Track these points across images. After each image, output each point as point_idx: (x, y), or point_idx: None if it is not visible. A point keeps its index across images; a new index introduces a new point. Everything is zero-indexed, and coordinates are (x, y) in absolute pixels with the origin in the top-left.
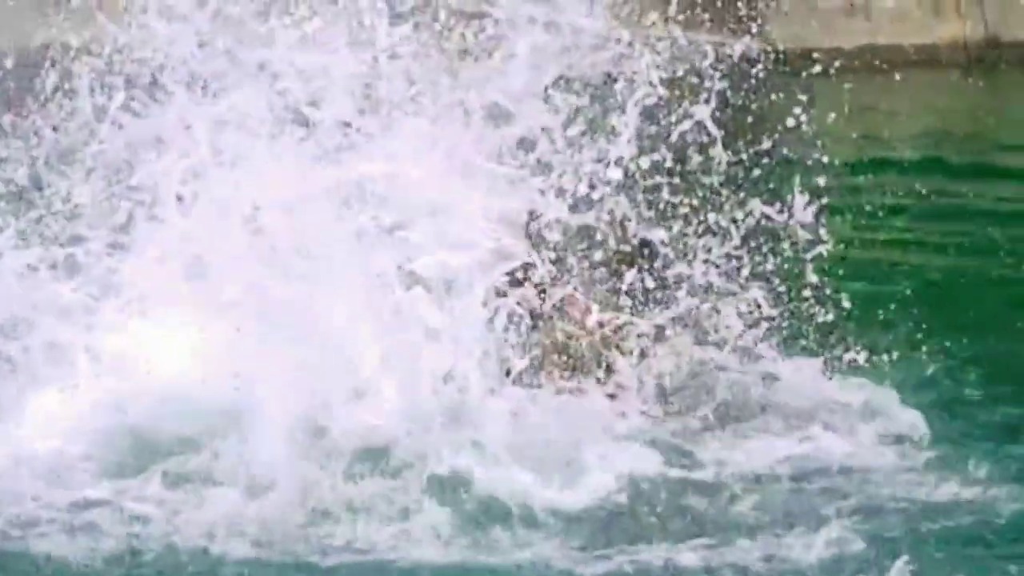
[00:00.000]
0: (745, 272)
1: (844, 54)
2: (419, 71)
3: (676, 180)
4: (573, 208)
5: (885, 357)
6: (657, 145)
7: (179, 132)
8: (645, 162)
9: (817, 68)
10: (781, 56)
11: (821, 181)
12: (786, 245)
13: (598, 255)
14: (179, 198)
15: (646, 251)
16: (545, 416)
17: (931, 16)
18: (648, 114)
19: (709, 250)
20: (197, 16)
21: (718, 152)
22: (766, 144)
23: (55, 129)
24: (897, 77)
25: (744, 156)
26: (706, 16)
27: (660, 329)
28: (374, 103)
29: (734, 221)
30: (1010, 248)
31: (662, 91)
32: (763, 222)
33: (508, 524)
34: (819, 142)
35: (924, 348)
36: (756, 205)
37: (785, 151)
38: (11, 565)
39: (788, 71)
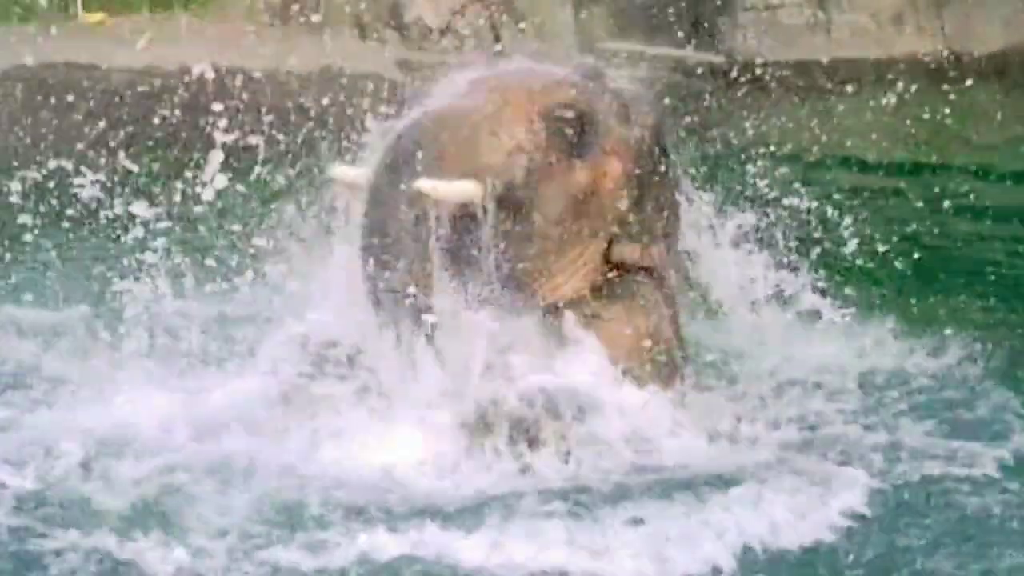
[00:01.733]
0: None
1: (805, 68)
2: None
3: None
4: None
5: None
6: None
7: None
8: None
9: (778, 82)
10: (743, 70)
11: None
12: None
13: None
14: None
15: None
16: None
17: (891, 31)
18: None
19: None
20: None
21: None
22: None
23: None
24: (857, 90)
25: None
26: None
27: None
28: None
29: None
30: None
31: None
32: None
33: None
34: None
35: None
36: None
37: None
38: None
39: (750, 85)
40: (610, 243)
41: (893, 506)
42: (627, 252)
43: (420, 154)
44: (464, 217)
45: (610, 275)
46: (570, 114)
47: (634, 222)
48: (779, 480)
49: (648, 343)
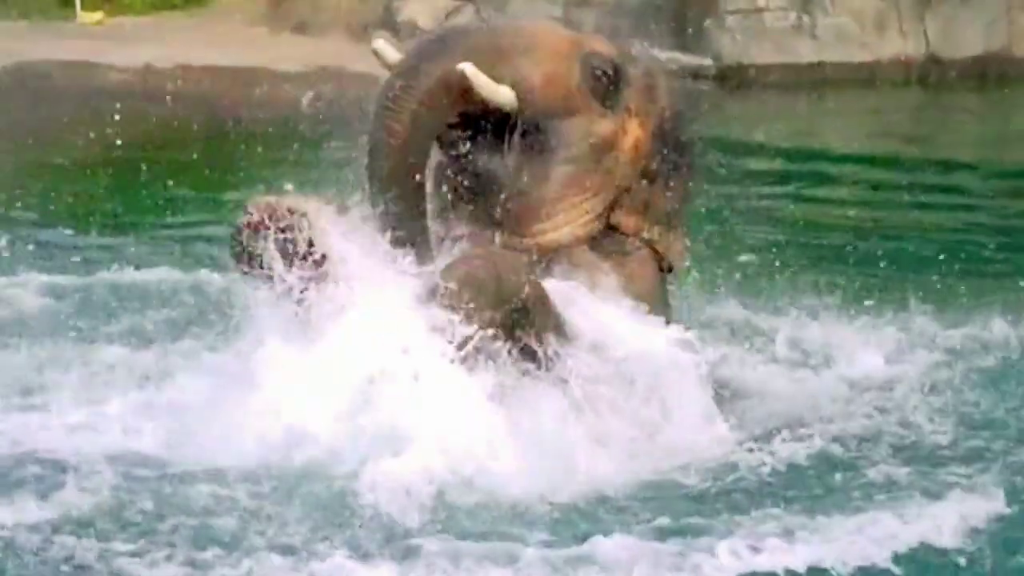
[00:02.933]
0: None
1: (792, 71)
2: None
3: None
4: None
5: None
6: None
7: None
8: None
9: (766, 84)
10: (731, 72)
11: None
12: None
13: None
14: None
15: None
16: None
17: (875, 35)
18: None
19: None
20: None
21: None
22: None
23: None
24: (843, 92)
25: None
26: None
27: None
28: None
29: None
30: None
31: None
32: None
33: None
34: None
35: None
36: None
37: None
38: None
39: (737, 86)
40: (613, 206)
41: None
42: (625, 221)
43: (458, 52)
44: (481, 130)
45: (607, 238)
46: (606, 64)
47: (640, 193)
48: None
49: (632, 301)
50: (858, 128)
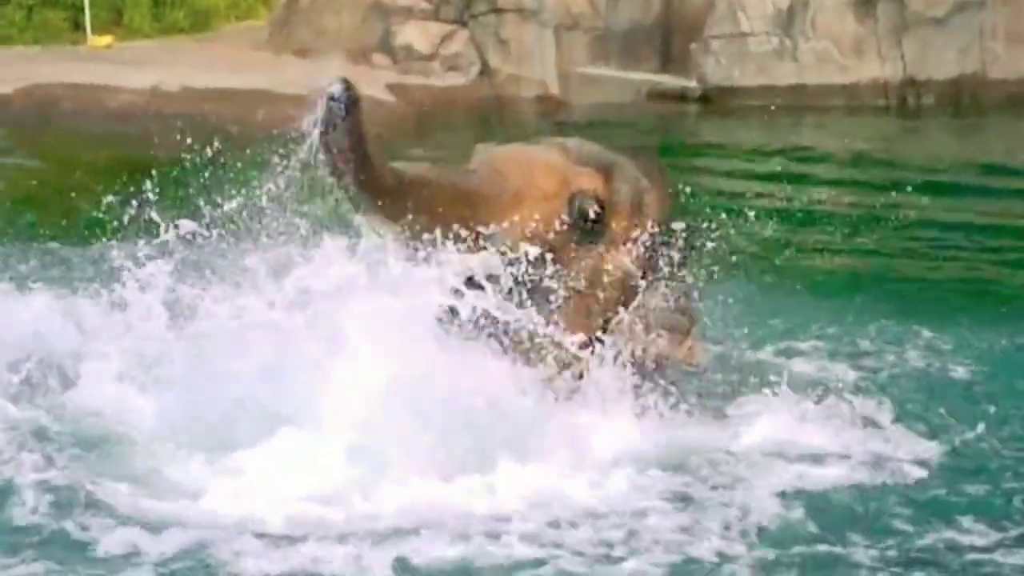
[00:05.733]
0: None
1: (774, 93)
2: None
3: None
4: None
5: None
6: None
7: None
8: None
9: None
10: (715, 93)
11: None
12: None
13: None
14: None
15: None
16: None
17: (854, 58)
18: None
19: None
20: None
21: None
22: None
23: None
24: (823, 113)
25: None
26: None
27: None
28: None
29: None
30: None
31: None
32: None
33: None
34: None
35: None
36: None
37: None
38: None
39: (721, 107)
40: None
41: None
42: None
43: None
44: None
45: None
46: (591, 204)
47: (624, 319)
48: None
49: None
50: (837, 142)
